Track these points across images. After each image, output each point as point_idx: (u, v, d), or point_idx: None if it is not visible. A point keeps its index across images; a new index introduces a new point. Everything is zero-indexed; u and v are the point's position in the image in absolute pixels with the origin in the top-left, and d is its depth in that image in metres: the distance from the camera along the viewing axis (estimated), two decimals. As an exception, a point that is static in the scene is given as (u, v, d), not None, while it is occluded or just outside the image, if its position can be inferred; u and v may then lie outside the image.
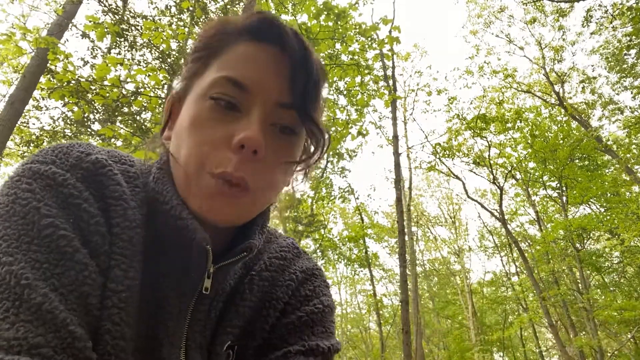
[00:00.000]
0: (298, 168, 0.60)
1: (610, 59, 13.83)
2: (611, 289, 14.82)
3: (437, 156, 14.54)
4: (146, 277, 0.52)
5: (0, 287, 0.40)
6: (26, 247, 0.43)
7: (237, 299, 0.58)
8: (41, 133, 7.68)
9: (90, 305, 0.45)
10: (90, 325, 0.44)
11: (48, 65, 6.00)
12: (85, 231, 0.47)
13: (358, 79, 5.45)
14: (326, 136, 0.59)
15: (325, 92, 0.62)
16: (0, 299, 0.40)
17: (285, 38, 0.53)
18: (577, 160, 14.23)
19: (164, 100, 7.69)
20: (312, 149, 0.58)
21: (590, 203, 14.17)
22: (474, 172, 15.56)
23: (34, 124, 7.92)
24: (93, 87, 5.02)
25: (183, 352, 0.52)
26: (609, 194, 13.21)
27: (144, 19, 8.06)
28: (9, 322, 0.38)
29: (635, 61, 12.93)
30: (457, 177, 15.32)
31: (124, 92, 4.51)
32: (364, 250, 17.62)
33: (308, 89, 0.53)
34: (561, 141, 13.81)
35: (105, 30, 4.58)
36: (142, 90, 4.89)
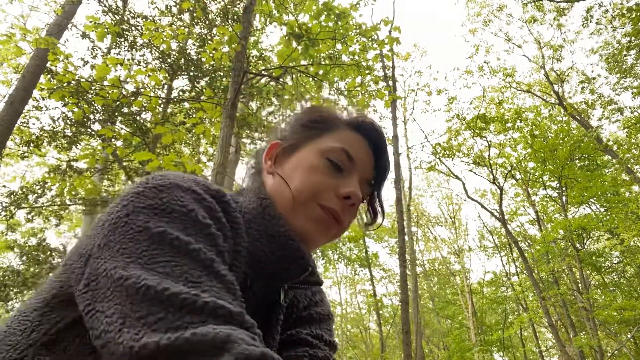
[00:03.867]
0: None
1: (610, 60, 13.82)
2: (611, 289, 14.80)
3: (437, 156, 14.55)
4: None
5: (197, 260, 0.48)
6: (193, 236, 0.52)
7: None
8: (41, 133, 7.66)
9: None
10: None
11: (48, 65, 6.00)
12: (220, 247, 0.55)
13: (358, 80, 5.45)
14: (379, 220, 0.80)
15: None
16: (195, 268, 0.47)
17: (379, 141, 0.75)
18: (577, 160, 14.21)
19: (163, 100, 7.68)
20: (368, 218, 0.80)
21: (590, 203, 14.15)
22: (474, 172, 15.56)
23: (33, 124, 7.90)
24: (93, 88, 5.02)
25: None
26: (608, 194, 13.18)
27: (144, 19, 8.06)
28: (210, 292, 0.45)
29: (635, 61, 12.93)
30: (457, 177, 15.32)
31: (124, 92, 4.51)
32: (364, 250, 17.65)
33: (382, 179, 0.77)
34: (561, 141, 13.79)
35: (105, 30, 4.57)
36: (142, 90, 4.88)
